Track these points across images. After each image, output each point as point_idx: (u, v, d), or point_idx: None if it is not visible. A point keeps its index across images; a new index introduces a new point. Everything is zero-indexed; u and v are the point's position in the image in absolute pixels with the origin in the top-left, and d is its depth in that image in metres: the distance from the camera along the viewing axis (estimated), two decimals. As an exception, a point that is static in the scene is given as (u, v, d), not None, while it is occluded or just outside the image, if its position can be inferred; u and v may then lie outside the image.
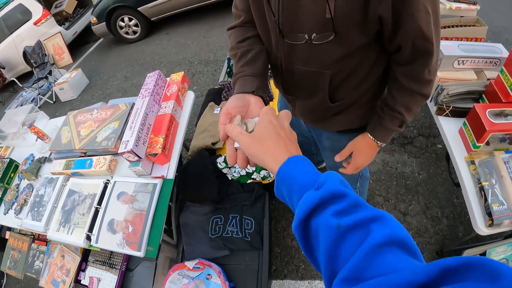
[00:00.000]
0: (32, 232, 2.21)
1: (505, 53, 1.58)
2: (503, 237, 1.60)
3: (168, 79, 1.75)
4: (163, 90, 1.70)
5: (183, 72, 1.72)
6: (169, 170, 1.49)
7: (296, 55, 0.98)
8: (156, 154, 1.44)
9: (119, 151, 1.42)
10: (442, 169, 2.29)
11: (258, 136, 0.61)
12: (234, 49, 1.00)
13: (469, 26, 2.12)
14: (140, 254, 1.30)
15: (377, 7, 0.76)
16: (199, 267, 1.63)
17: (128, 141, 1.41)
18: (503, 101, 1.34)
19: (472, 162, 1.30)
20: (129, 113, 1.64)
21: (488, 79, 1.54)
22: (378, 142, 1.13)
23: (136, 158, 1.42)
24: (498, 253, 1.50)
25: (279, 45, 0.98)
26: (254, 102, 0.79)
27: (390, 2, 0.74)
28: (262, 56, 0.99)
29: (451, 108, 1.46)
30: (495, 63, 1.59)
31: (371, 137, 1.13)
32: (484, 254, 1.50)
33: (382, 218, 0.43)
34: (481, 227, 1.17)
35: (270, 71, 2.45)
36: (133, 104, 1.67)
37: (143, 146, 1.45)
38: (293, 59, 1.00)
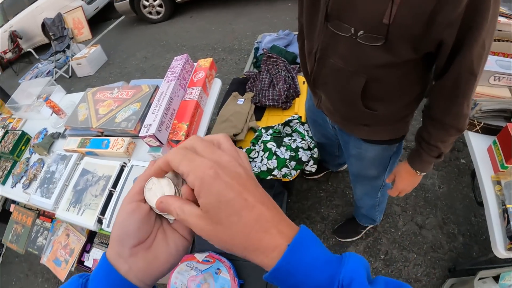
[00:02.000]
0: (37, 208, 2.16)
1: (542, 74, 1.50)
2: (518, 262, 1.55)
3: (195, 64, 1.68)
4: (190, 75, 1.63)
5: (211, 58, 1.65)
6: (191, 159, 1.42)
7: (335, 47, 0.93)
8: (178, 141, 1.38)
9: (139, 134, 1.36)
10: (463, 185, 2.23)
11: (212, 215, 0.34)
12: None
13: (507, 41, 2.04)
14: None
15: (443, 31, 0.72)
16: (209, 261, 1.57)
17: (150, 125, 1.35)
18: (536, 122, 1.29)
19: (498, 183, 1.26)
20: (152, 96, 1.58)
21: (522, 99, 1.48)
22: (417, 171, 1.14)
23: (158, 143, 1.36)
24: (512, 277, 1.47)
25: (321, 30, 0.93)
26: None
27: (457, 29, 0.71)
28: None
29: (482, 124, 1.41)
30: (531, 83, 1.52)
31: (411, 167, 1.14)
32: (497, 277, 1.47)
33: None
34: (500, 250, 1.13)
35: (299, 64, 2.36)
36: (157, 86, 1.61)
37: (166, 131, 1.39)
38: (329, 51, 0.95)
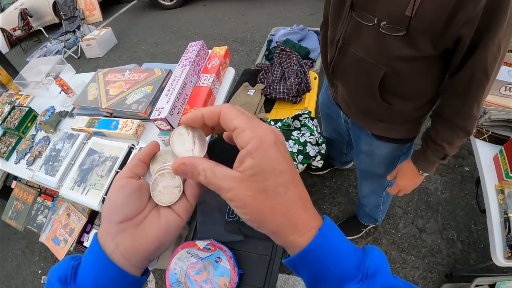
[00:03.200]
0: (39, 185, 2.16)
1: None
2: (514, 272, 1.59)
3: (210, 51, 1.67)
4: (204, 61, 1.62)
5: (226, 47, 1.64)
6: (200, 145, 1.41)
7: (358, 36, 0.95)
8: (189, 127, 1.37)
9: (151, 117, 1.35)
10: (465, 193, 2.24)
11: (258, 180, 0.31)
12: None
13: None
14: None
15: (462, 27, 0.74)
16: (209, 248, 1.56)
17: (162, 108, 1.33)
18: (544, 134, 1.30)
19: (502, 192, 1.28)
20: (165, 80, 1.56)
21: (532, 111, 1.49)
22: (420, 171, 1.15)
23: (168, 127, 1.34)
24: (507, 287, 1.49)
25: (345, 19, 0.96)
26: None
27: (474, 28, 0.73)
28: None
29: (490, 133, 1.43)
30: (542, 95, 1.53)
31: (414, 166, 1.15)
32: (494, 285, 1.50)
33: None
34: (499, 258, 1.15)
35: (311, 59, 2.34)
36: (170, 71, 1.59)
37: (177, 116, 1.38)
38: (352, 40, 0.97)
